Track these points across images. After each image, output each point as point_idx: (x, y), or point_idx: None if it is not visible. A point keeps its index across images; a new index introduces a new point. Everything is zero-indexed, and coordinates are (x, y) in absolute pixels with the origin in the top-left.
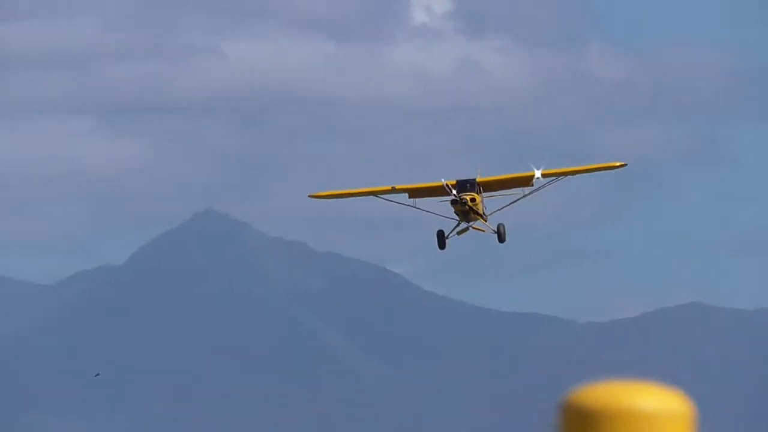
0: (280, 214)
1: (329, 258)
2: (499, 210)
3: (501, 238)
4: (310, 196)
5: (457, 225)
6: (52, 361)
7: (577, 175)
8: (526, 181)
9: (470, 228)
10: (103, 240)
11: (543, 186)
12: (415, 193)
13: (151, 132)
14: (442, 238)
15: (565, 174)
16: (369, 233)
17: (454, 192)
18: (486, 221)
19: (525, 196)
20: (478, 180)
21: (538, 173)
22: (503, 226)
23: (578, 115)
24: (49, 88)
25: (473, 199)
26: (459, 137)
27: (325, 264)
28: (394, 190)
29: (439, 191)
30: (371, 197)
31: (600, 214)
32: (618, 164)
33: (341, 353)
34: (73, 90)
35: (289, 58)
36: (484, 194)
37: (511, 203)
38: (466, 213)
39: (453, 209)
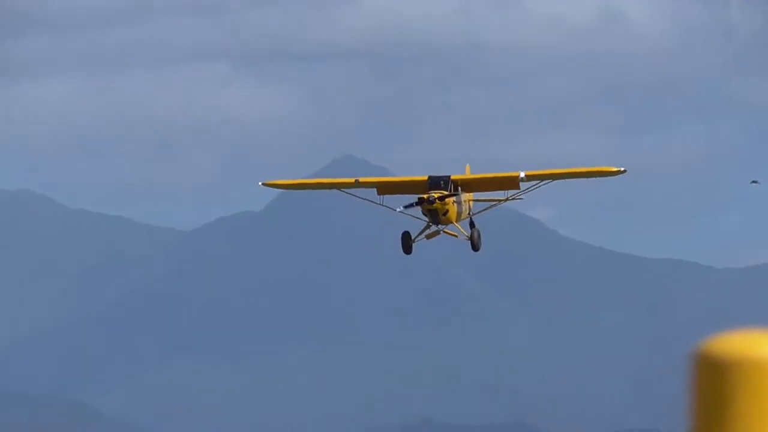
0: (419, 160)
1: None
2: (480, 212)
3: (474, 246)
4: (262, 184)
5: (426, 227)
6: (193, 307)
7: (568, 180)
8: (511, 182)
9: (441, 232)
10: (241, 187)
11: (529, 189)
12: (384, 188)
13: (290, 79)
14: (407, 241)
15: (551, 177)
16: None
17: (413, 202)
18: (459, 225)
19: (508, 199)
20: (453, 178)
21: (522, 174)
22: (477, 232)
23: (717, 63)
24: (187, 37)
25: (442, 198)
26: (599, 85)
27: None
28: (358, 184)
29: (411, 187)
30: (334, 191)
31: (747, 160)
32: (616, 170)
33: (478, 298)
34: (212, 38)
35: (427, 4)
36: (466, 194)
37: (488, 207)
38: (435, 213)
39: (420, 209)
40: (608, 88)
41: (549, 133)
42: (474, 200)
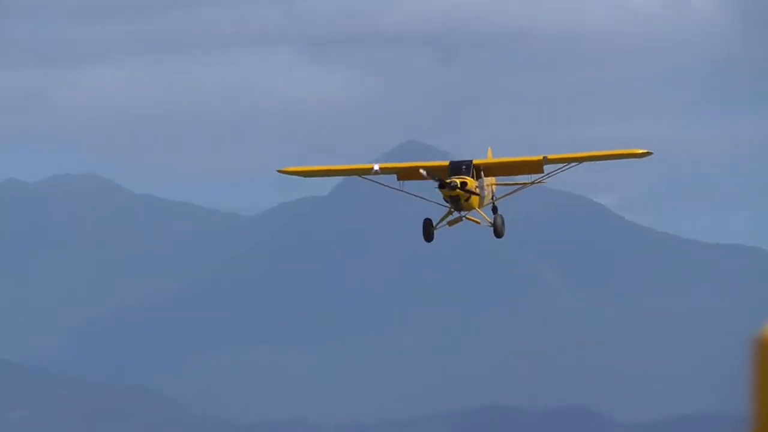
0: (483, 144)
1: (534, 189)
2: (502, 197)
3: (497, 232)
4: (278, 171)
5: (448, 214)
6: (258, 291)
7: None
8: (534, 166)
9: (463, 218)
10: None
11: (553, 172)
12: (404, 174)
13: (355, 64)
14: (429, 228)
15: (575, 160)
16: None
17: (435, 178)
18: (481, 211)
19: (532, 183)
20: (476, 162)
21: (545, 158)
22: (501, 218)
23: None
24: (255, 22)
25: (464, 183)
26: (662, 70)
27: (530, 194)
28: (378, 170)
29: (432, 173)
30: (355, 177)
31: None
32: (641, 152)
33: (544, 282)
34: (280, 23)
35: None
36: (488, 179)
37: (511, 192)
38: (456, 199)
39: (441, 194)
40: (670, 71)
41: (608, 117)
42: (497, 184)
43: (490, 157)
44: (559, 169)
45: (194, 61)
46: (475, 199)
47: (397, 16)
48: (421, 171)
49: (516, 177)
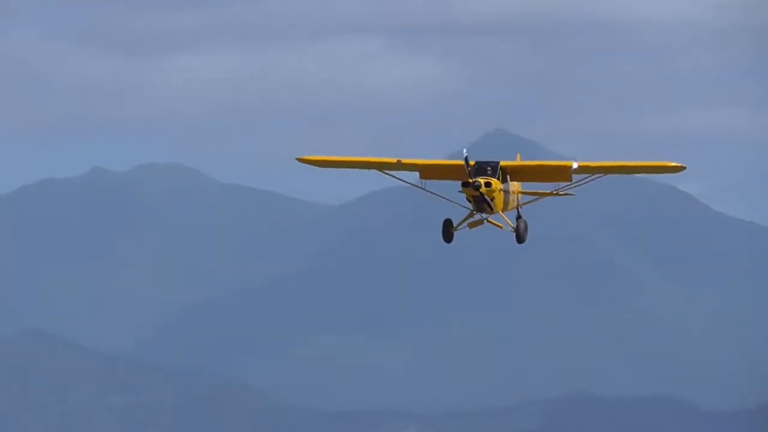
0: (572, 135)
1: (620, 178)
2: (526, 204)
3: (519, 238)
4: (297, 159)
5: (469, 215)
6: (344, 281)
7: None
8: (563, 172)
9: (485, 221)
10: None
11: (581, 182)
12: (427, 172)
13: (443, 52)
14: (448, 229)
15: (605, 170)
16: (662, 153)
17: (469, 168)
18: (505, 216)
19: (557, 194)
20: (503, 164)
21: (575, 165)
22: (524, 223)
23: None
24: (344, 10)
25: (488, 184)
26: (748, 59)
27: (616, 184)
28: (400, 165)
29: (456, 172)
30: (375, 171)
31: None
32: (675, 165)
33: (630, 270)
34: (369, 11)
35: None
36: (514, 184)
37: (535, 200)
38: (480, 201)
39: (464, 194)
40: (755, 61)
41: (697, 107)
42: (521, 192)
43: (518, 162)
44: (586, 179)
45: (281, 51)
46: (499, 202)
47: (486, 6)
48: (465, 153)
49: (541, 185)
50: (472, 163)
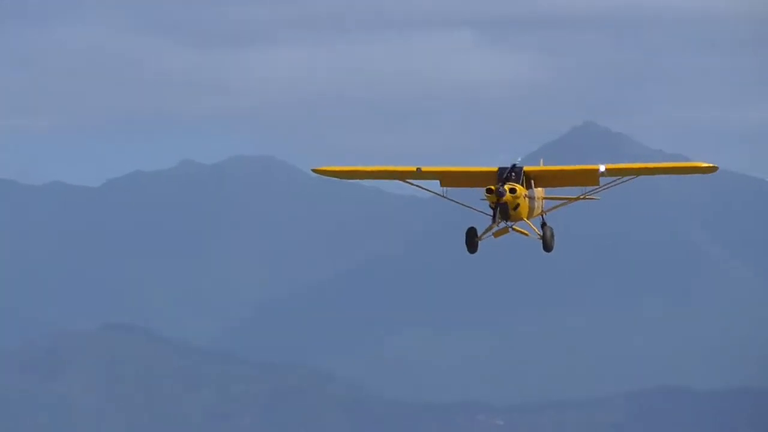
0: (659, 127)
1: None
2: (550, 210)
3: (546, 246)
4: (313, 170)
5: (493, 223)
6: (430, 274)
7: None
8: (589, 176)
9: (510, 229)
10: (479, 152)
11: (607, 186)
12: (448, 179)
13: (531, 45)
14: (472, 239)
15: (633, 172)
16: (749, 144)
17: (505, 175)
18: (530, 223)
19: (584, 197)
20: (526, 170)
21: (602, 168)
22: (550, 231)
23: None
24: (430, 3)
25: (513, 190)
26: None
27: (710, 177)
28: (419, 173)
29: (478, 178)
30: (395, 180)
31: None
32: (706, 166)
33: (715, 262)
34: (456, 5)
35: None
36: (538, 190)
37: (560, 205)
38: (504, 208)
39: (487, 201)
40: None
41: None
42: (545, 198)
43: (541, 167)
44: (614, 182)
45: (369, 44)
46: (524, 209)
47: None
48: (519, 159)
49: (567, 190)
50: (494, 169)
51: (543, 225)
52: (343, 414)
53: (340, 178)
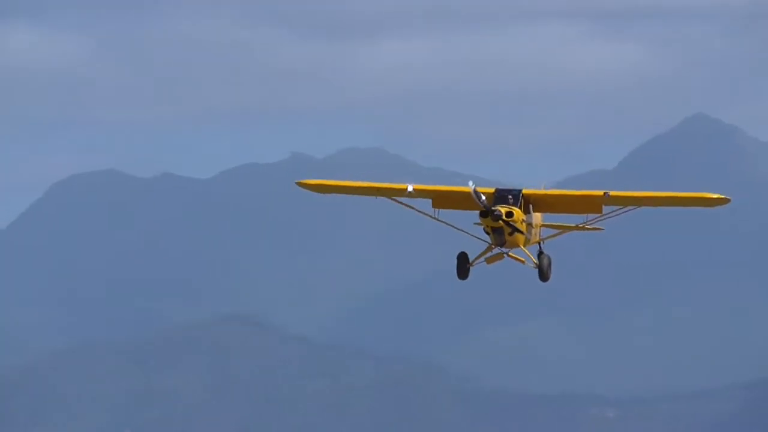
0: None
1: None
2: (548, 238)
3: (543, 275)
4: (297, 183)
5: (488, 249)
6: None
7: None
8: (592, 203)
9: (505, 256)
10: (594, 144)
11: (610, 214)
12: (440, 200)
13: (644, 37)
14: (463, 264)
15: (638, 202)
16: None
17: (483, 199)
18: (526, 250)
19: (584, 226)
20: (525, 192)
21: (606, 194)
22: (548, 259)
23: None
24: None
25: (510, 214)
26: None
27: None
28: (411, 192)
29: (472, 200)
30: (384, 198)
31: None
32: (716, 197)
33: None
34: None
35: None
36: (537, 215)
37: (557, 234)
38: (500, 232)
39: (482, 225)
40: None
41: None
42: (543, 225)
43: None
44: (616, 211)
45: (484, 35)
46: (520, 235)
47: None
48: (470, 185)
49: (567, 217)
50: (491, 190)
51: (540, 253)
52: (455, 405)
53: (324, 192)
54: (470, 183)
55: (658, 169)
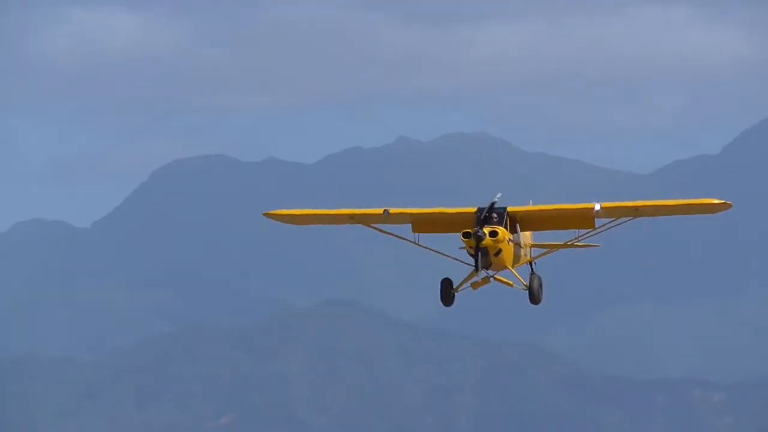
0: None
1: None
2: (538, 257)
3: (533, 298)
4: (264, 214)
5: (473, 273)
6: (648, 249)
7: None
8: (583, 217)
9: (491, 279)
10: (698, 130)
11: (603, 227)
12: (420, 223)
13: (748, 21)
14: (447, 290)
15: (632, 211)
16: None
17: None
18: (515, 272)
19: (577, 240)
20: (510, 210)
21: (597, 207)
22: (538, 280)
23: None
24: None
25: (494, 234)
26: None
27: None
28: (387, 216)
29: (453, 221)
30: (359, 226)
31: None
32: (717, 202)
33: None
34: None
35: None
36: (526, 234)
37: (547, 252)
38: (484, 254)
39: (465, 246)
40: None
41: None
42: (533, 245)
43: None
44: (610, 223)
45: (586, 20)
46: (507, 256)
47: None
48: (496, 198)
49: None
50: (472, 209)
51: (531, 274)
52: (562, 390)
53: (292, 223)
54: (498, 195)
55: (762, 155)
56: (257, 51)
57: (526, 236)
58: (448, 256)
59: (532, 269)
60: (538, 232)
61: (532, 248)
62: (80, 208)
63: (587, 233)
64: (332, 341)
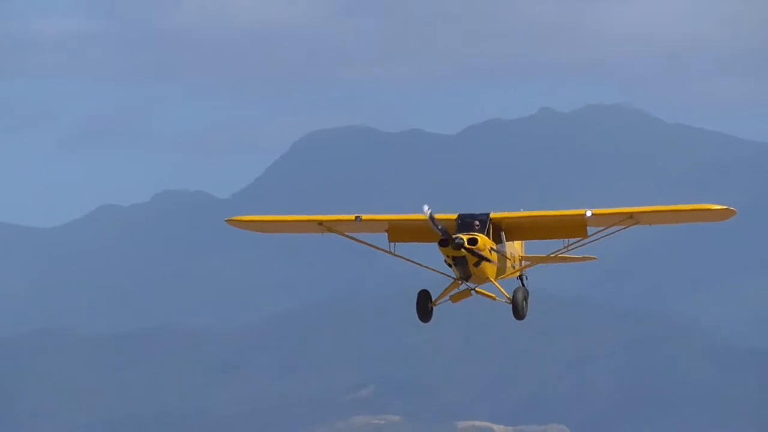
0: None
1: None
2: (526, 267)
3: (517, 312)
4: (226, 221)
5: (453, 285)
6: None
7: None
8: (574, 225)
9: (472, 292)
10: None
11: (595, 235)
12: (395, 231)
13: None
14: (424, 304)
15: (626, 217)
16: None
17: (442, 226)
18: (498, 284)
19: (567, 249)
20: (494, 217)
21: (589, 213)
22: (523, 293)
23: None
24: None
25: (473, 241)
26: None
27: None
28: (359, 222)
29: (430, 231)
30: (328, 234)
31: None
32: (719, 208)
33: None
34: None
35: None
36: (511, 243)
37: (533, 264)
38: (463, 263)
39: (443, 255)
40: None
41: None
42: (523, 257)
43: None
44: (601, 232)
45: None
46: (489, 266)
47: None
48: (426, 210)
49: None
50: (453, 216)
51: (517, 288)
52: (705, 362)
53: (256, 231)
54: (425, 207)
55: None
56: (398, 21)
57: (514, 246)
58: (426, 267)
59: (522, 282)
60: (527, 241)
61: (523, 260)
62: (221, 179)
63: (577, 242)
64: (472, 316)
